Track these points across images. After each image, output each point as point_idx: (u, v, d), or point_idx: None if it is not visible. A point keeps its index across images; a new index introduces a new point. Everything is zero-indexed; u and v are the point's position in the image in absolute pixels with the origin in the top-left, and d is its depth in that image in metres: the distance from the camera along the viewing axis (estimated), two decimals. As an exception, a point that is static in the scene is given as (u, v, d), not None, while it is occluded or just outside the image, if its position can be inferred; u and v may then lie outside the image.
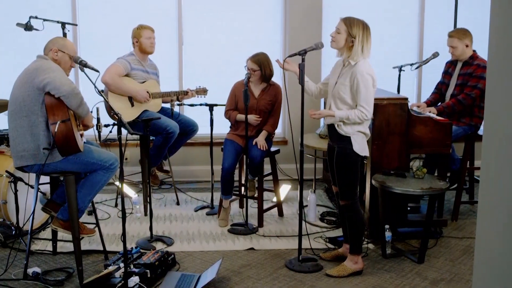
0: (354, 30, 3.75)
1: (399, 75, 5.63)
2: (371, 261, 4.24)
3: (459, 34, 5.00)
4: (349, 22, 3.78)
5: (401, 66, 5.61)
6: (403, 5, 6.63)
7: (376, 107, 4.17)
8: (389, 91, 5.10)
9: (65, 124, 3.63)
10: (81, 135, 3.94)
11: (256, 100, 4.96)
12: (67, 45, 3.94)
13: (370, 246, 4.50)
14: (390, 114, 4.42)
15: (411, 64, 5.58)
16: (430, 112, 4.91)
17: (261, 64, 4.90)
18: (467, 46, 5.00)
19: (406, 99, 4.53)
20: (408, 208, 4.74)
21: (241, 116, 4.96)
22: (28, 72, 3.74)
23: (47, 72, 3.66)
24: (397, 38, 6.64)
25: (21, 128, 3.71)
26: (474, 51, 5.04)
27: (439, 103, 5.20)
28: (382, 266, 4.17)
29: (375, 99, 3.98)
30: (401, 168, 4.47)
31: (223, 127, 5.33)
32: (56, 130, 3.61)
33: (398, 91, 5.62)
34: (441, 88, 5.28)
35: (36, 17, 5.30)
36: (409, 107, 4.57)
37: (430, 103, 5.24)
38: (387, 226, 4.29)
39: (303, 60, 3.95)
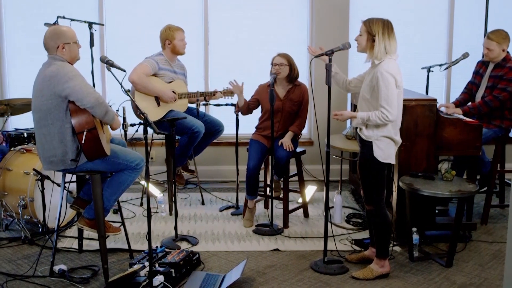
0: (373, 28, 3.71)
1: (428, 76, 5.55)
2: (397, 264, 4.18)
3: (499, 38, 4.86)
4: (368, 22, 3.75)
5: (430, 67, 5.53)
6: (432, 5, 6.53)
7: (404, 108, 4.10)
8: (417, 92, 5.03)
9: (91, 132, 3.64)
10: (107, 137, 3.95)
11: (281, 102, 4.92)
12: (67, 34, 3.80)
13: (397, 249, 4.44)
14: (418, 115, 4.36)
15: (440, 65, 5.50)
16: (455, 113, 4.83)
17: (290, 61, 4.89)
18: (503, 50, 4.89)
19: (435, 100, 4.45)
20: (436, 211, 4.66)
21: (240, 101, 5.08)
22: (45, 79, 3.66)
23: (66, 79, 3.60)
24: (426, 38, 6.54)
25: (48, 135, 3.71)
26: (507, 52, 4.93)
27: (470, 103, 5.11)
28: (409, 270, 4.10)
29: (403, 100, 3.91)
30: (429, 170, 4.40)
31: (248, 127, 5.31)
32: (83, 140, 3.62)
33: (427, 92, 5.54)
34: (471, 89, 5.18)
35: (63, 17, 5.36)
36: (437, 108, 4.49)
37: (458, 103, 5.14)
38: (414, 229, 4.23)
39: (330, 60, 3.91)
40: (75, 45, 3.83)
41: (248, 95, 5.17)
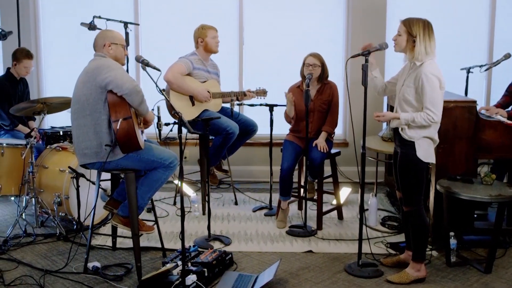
0: (414, 29, 3.64)
1: (467, 77, 5.42)
2: (434, 269, 4.08)
3: None
4: (408, 23, 3.68)
5: (470, 68, 5.40)
6: (473, 4, 6.38)
7: (443, 110, 4.01)
8: (456, 94, 4.92)
9: (127, 121, 3.66)
10: (142, 132, 3.97)
11: (312, 102, 4.87)
12: (116, 36, 3.95)
13: (434, 253, 4.34)
14: (457, 118, 4.27)
15: (480, 66, 5.36)
16: (497, 114, 4.69)
17: (322, 61, 4.86)
18: None
19: (475, 102, 4.36)
20: (475, 216, 4.54)
21: (288, 109, 4.95)
22: (89, 72, 3.78)
23: (108, 70, 3.70)
24: (466, 38, 6.40)
25: (84, 127, 3.77)
26: None
27: (510, 107, 4.97)
28: (446, 275, 4.00)
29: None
30: (468, 173, 4.30)
31: (283, 128, 5.27)
32: (118, 127, 3.64)
33: (466, 93, 5.41)
34: (512, 91, 5.05)
35: (99, 17, 5.43)
36: (477, 111, 4.38)
37: (500, 106, 5.01)
38: (452, 233, 4.13)
39: (366, 61, 3.85)
40: (121, 47, 3.95)
41: (283, 96, 5.14)
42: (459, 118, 4.27)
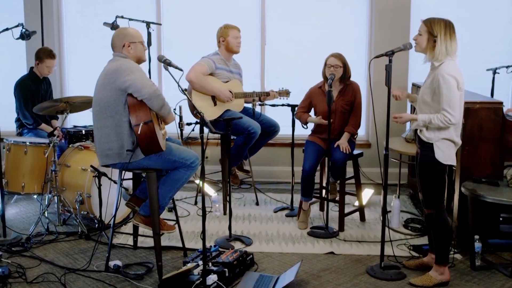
0: (435, 29, 3.60)
1: (493, 78, 5.34)
2: (458, 273, 4.02)
3: None
4: (430, 22, 3.64)
5: (496, 69, 5.32)
6: (498, 3, 6.27)
7: (468, 111, 3.96)
8: (481, 95, 4.84)
9: (148, 125, 3.66)
10: (163, 134, 3.96)
11: (334, 103, 4.83)
12: (133, 34, 3.91)
13: (458, 256, 4.27)
14: (482, 119, 4.20)
15: (507, 67, 5.27)
16: None
17: (344, 62, 4.81)
18: None
19: (501, 103, 4.29)
20: (501, 219, 4.46)
21: (312, 119, 4.93)
22: (108, 73, 3.77)
23: (127, 73, 3.68)
24: (492, 38, 6.29)
25: (106, 128, 3.77)
26: None
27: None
28: (471, 279, 3.93)
29: (466, 102, 3.76)
30: (494, 176, 4.23)
31: (305, 129, 5.24)
32: (139, 132, 3.64)
33: (492, 95, 5.33)
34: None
35: (122, 17, 5.46)
36: (504, 112, 4.31)
37: (527, 107, 4.93)
38: (477, 237, 4.06)
39: (390, 61, 3.80)
40: (140, 45, 3.92)
41: (303, 96, 5.11)
42: (485, 119, 4.20)
